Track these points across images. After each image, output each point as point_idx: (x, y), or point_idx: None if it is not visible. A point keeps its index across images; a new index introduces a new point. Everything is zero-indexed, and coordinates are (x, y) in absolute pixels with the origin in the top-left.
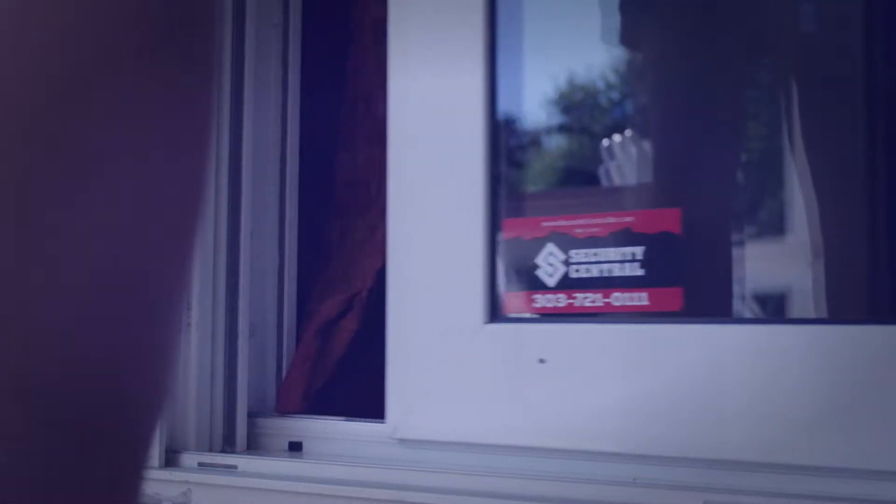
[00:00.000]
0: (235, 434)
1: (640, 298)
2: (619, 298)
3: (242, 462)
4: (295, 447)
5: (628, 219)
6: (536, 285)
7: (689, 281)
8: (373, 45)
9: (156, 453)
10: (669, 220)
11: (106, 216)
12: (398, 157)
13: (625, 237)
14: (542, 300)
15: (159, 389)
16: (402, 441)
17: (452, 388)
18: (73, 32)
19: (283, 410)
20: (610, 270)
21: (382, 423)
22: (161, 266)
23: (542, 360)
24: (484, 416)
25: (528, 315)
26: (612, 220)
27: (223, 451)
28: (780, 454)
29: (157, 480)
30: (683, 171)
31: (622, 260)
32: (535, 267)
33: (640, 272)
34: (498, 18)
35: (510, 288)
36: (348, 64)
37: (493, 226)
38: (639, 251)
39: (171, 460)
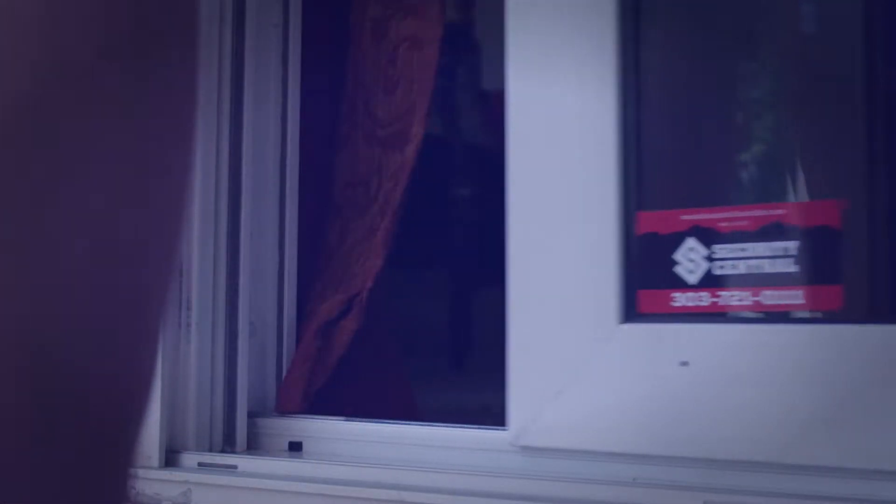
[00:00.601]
0: (235, 434)
1: (793, 297)
2: (771, 297)
3: (242, 462)
4: (295, 447)
5: (779, 211)
6: (675, 283)
7: (849, 278)
8: (373, 45)
9: (156, 453)
10: (826, 212)
11: (86, 213)
12: (520, 148)
13: (776, 231)
14: (683, 298)
15: (141, 385)
16: (525, 449)
17: (583, 393)
18: (50, 30)
19: (283, 410)
20: (759, 267)
21: (502, 429)
22: (143, 261)
23: (684, 363)
24: (621, 422)
25: (666, 314)
26: (760, 212)
27: (223, 451)
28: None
29: (157, 480)
30: (842, 159)
31: (773, 255)
32: (674, 263)
33: (793, 268)
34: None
35: (646, 286)
36: (348, 64)
37: (627, 219)
38: (792, 246)
39: (171, 460)
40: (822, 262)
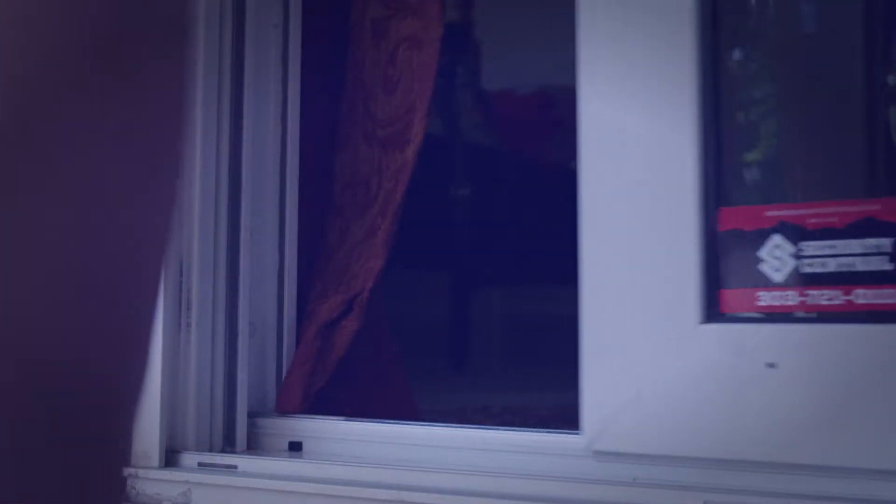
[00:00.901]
0: (235, 434)
1: (890, 296)
2: (864, 296)
3: (242, 462)
4: (295, 447)
5: (872, 207)
6: (760, 281)
7: None
8: (372, 45)
9: (156, 453)
10: None
11: (71, 213)
12: (593, 145)
13: (868, 227)
14: (768, 297)
15: (132, 382)
16: (600, 454)
17: (662, 396)
18: (37, 29)
19: (283, 410)
20: (852, 265)
21: (576, 433)
22: (132, 259)
23: (771, 365)
24: (698, 426)
25: (750, 314)
26: (851, 208)
27: (223, 451)
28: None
29: (157, 480)
30: None
31: (865, 253)
32: (759, 261)
33: (888, 266)
34: None
35: (729, 285)
36: (348, 64)
37: (707, 216)
38: (887, 243)
39: (171, 460)
40: None
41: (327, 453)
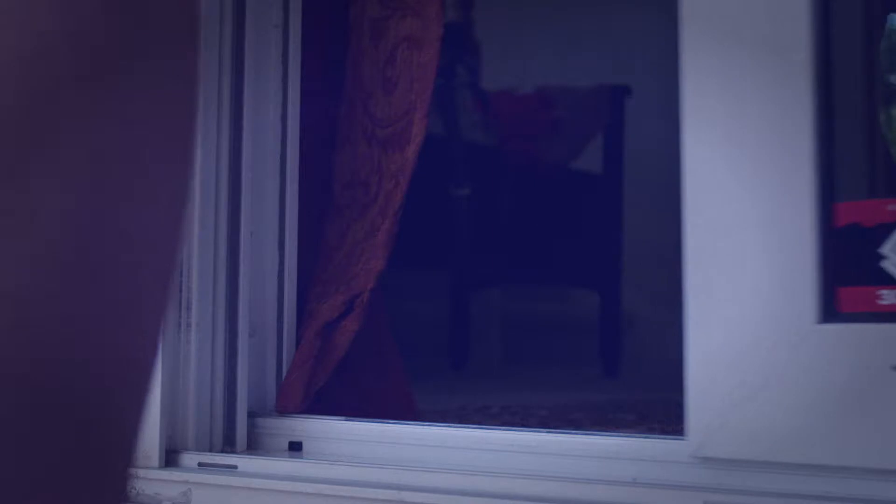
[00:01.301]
0: (235, 434)
1: None
2: None
3: (242, 462)
4: (295, 447)
5: None
6: (882, 279)
7: None
8: (371, 45)
9: (156, 453)
10: None
11: (78, 211)
12: (698, 138)
13: None
14: (892, 296)
15: (139, 385)
16: (707, 460)
17: (775, 399)
18: (45, 32)
19: (284, 411)
20: None
21: (681, 439)
22: (141, 260)
23: None
24: (813, 431)
25: (871, 314)
26: None
27: (223, 451)
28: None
29: (157, 480)
30: None
31: None
32: (880, 258)
33: None
34: None
35: (847, 283)
36: (348, 64)
37: (824, 211)
38: None
39: (171, 460)
40: None
41: (327, 453)
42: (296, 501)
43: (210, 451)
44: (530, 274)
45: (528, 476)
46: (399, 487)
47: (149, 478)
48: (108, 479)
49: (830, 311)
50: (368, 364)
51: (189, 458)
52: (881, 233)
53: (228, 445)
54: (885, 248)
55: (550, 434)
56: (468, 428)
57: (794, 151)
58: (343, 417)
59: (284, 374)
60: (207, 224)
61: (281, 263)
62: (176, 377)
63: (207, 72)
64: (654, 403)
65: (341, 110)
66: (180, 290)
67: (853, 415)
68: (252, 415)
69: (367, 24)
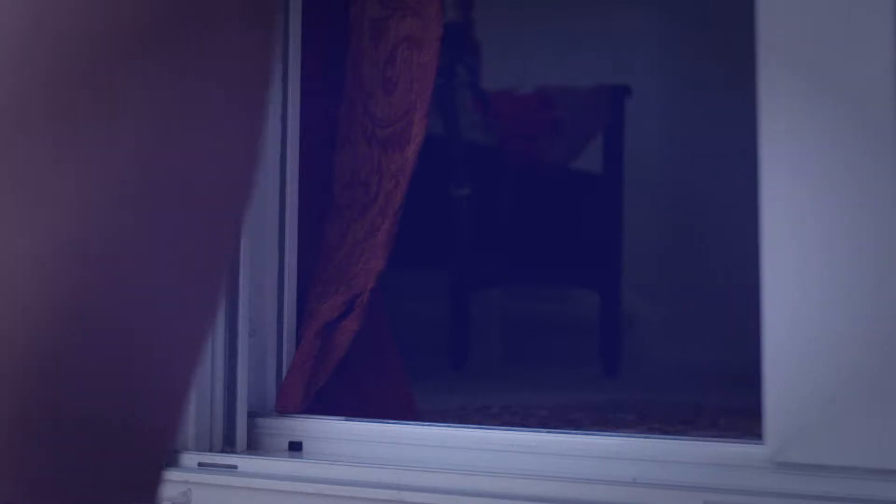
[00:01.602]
0: (235, 434)
1: None
2: None
3: (242, 462)
4: (295, 447)
5: None
6: None
7: None
8: (371, 45)
9: None
10: None
11: (122, 193)
12: (775, 132)
13: None
14: None
15: (180, 386)
16: (783, 465)
17: (863, 402)
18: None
19: (284, 411)
20: None
21: (758, 443)
22: (195, 261)
23: None
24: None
25: None
26: None
27: (223, 451)
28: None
29: None
30: None
31: None
32: None
33: None
34: None
35: None
36: (348, 64)
37: None
38: None
39: (171, 460)
40: None
41: (327, 453)
42: (296, 501)
43: (210, 451)
44: (530, 274)
45: (528, 476)
46: (399, 487)
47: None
48: (143, 486)
49: None
50: (368, 364)
51: (189, 458)
52: None
53: (228, 445)
54: None
55: (550, 434)
56: (468, 428)
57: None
58: (343, 417)
59: (285, 374)
60: None
61: (281, 263)
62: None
63: None
64: (654, 403)
65: (341, 110)
66: None
67: None
68: (252, 415)
69: (367, 24)
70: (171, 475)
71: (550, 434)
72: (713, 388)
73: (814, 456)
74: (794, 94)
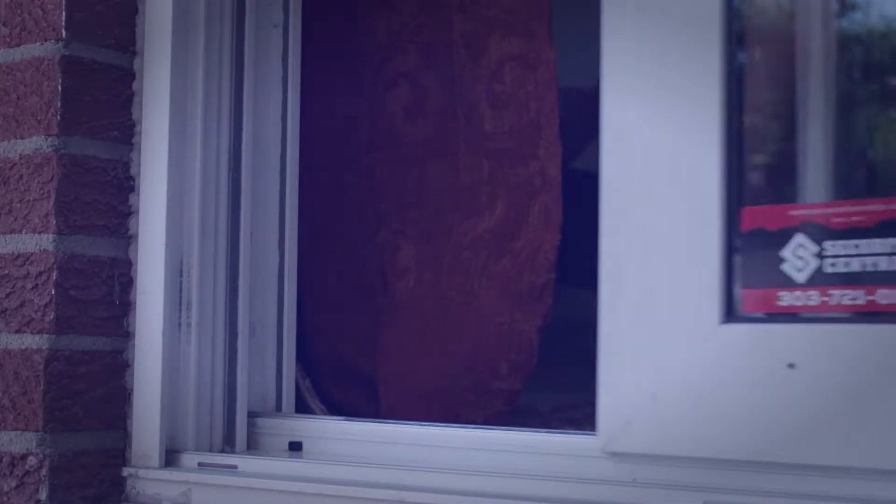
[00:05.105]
0: (235, 434)
1: None
2: (887, 296)
3: (242, 462)
4: (295, 447)
5: None
6: (782, 281)
7: None
8: (470, 61)
9: (156, 453)
10: None
11: None
12: (615, 139)
13: (894, 227)
14: (790, 298)
15: None
16: (615, 455)
17: (680, 396)
18: None
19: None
20: (875, 265)
21: (591, 434)
22: None
23: (791, 366)
24: (717, 427)
25: (771, 315)
26: (878, 207)
27: (223, 451)
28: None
29: (157, 480)
30: None
31: (891, 252)
32: (781, 261)
33: None
34: None
35: (750, 285)
36: (441, 74)
37: (730, 215)
38: None
39: (171, 460)
40: None
41: (327, 453)
42: (296, 501)
43: (210, 451)
44: None
45: (528, 476)
46: (399, 487)
47: (149, 478)
48: None
49: (734, 311)
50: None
51: (189, 458)
52: (782, 237)
53: (228, 445)
54: (786, 252)
55: (551, 434)
56: (468, 428)
57: (703, 157)
58: (343, 417)
59: (286, 375)
60: (207, 224)
61: (281, 263)
62: (176, 377)
63: (207, 72)
64: None
65: (419, 120)
66: (180, 290)
67: (753, 410)
68: (252, 415)
69: (459, 41)
70: (171, 475)
71: (564, 435)
72: None
73: (640, 446)
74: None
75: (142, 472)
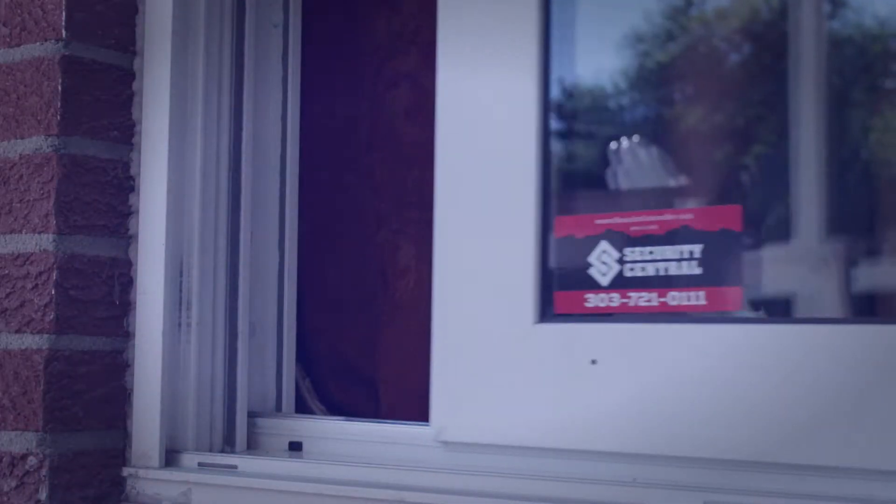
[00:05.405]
0: (235, 434)
1: (697, 298)
2: (676, 298)
3: (242, 462)
4: (295, 447)
5: (686, 216)
6: (589, 284)
7: (749, 280)
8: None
9: (156, 453)
10: (728, 216)
11: None
12: (447, 157)
13: (683, 235)
14: (595, 299)
15: None
16: (447, 444)
17: (502, 390)
18: None
19: None
20: (666, 269)
21: (425, 425)
22: None
23: (593, 361)
24: (534, 418)
25: (579, 315)
26: (669, 217)
27: (223, 451)
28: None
29: (157, 480)
30: (743, 167)
31: (679, 258)
32: (588, 265)
33: (697, 271)
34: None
35: (561, 287)
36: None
37: (545, 224)
38: (697, 249)
39: (171, 460)
40: (723, 263)
41: (327, 453)
42: (296, 501)
43: (210, 451)
44: None
45: (528, 476)
46: (399, 487)
47: (149, 478)
48: None
49: (548, 312)
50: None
51: (189, 458)
52: (589, 243)
53: (228, 445)
54: (592, 257)
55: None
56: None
57: (520, 171)
58: (343, 417)
59: (286, 375)
60: (207, 224)
61: (281, 263)
62: (176, 377)
63: (207, 71)
64: None
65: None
66: (180, 290)
67: (562, 402)
68: (252, 415)
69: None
70: (171, 475)
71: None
72: None
73: (468, 436)
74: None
75: (142, 472)
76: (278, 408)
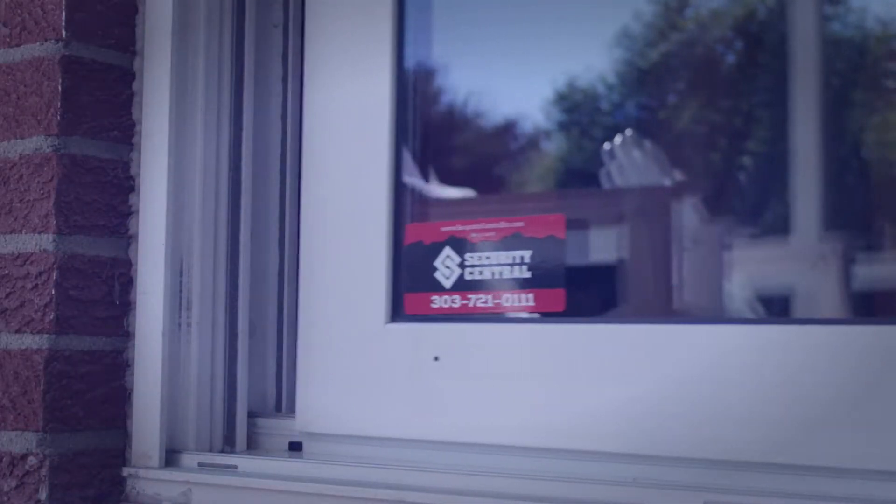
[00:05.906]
0: (235, 434)
1: (526, 299)
2: (508, 299)
3: (242, 462)
4: (295, 447)
5: (519, 224)
6: (434, 287)
7: (571, 283)
8: None
9: (156, 453)
10: (554, 225)
11: None
12: (312, 164)
13: (515, 241)
14: (440, 301)
15: None
16: (310, 435)
17: (358, 384)
18: None
19: None
20: (500, 273)
21: (291, 417)
22: None
23: (436, 358)
24: (385, 411)
25: (426, 315)
26: (504, 224)
27: (223, 451)
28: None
29: (157, 480)
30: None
31: (512, 263)
32: (434, 269)
33: (527, 274)
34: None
35: (411, 289)
36: None
37: (397, 231)
38: (527, 254)
39: (171, 460)
40: (549, 268)
41: (327, 453)
42: (296, 501)
43: (210, 451)
44: None
45: (528, 476)
46: (399, 487)
47: (149, 478)
48: None
49: (399, 312)
50: None
51: (189, 458)
52: (435, 249)
53: (228, 445)
54: (437, 262)
55: (268, 418)
56: (264, 416)
57: (375, 181)
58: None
59: (285, 375)
60: (207, 224)
61: (281, 263)
62: (176, 377)
63: (207, 71)
64: None
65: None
66: (180, 290)
67: (411, 396)
68: (252, 415)
69: None
70: (171, 475)
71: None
72: None
73: (330, 427)
74: None
75: (142, 472)
76: (278, 408)
